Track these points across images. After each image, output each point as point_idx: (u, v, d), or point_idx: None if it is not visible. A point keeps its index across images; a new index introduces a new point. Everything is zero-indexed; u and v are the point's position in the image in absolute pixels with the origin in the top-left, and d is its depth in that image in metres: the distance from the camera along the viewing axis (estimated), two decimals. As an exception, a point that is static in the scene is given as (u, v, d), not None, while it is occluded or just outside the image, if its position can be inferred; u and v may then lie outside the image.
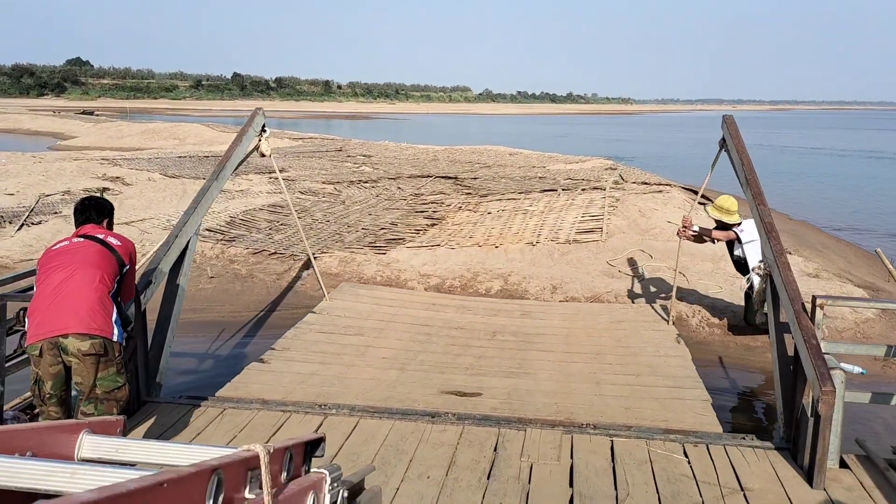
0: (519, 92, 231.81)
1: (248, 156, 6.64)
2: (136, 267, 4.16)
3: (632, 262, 9.46)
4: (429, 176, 17.12)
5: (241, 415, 4.67)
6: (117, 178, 15.70)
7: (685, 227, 7.16)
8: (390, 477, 3.88)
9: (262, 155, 6.92)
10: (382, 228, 11.30)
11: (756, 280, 6.36)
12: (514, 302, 8.06)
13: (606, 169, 18.97)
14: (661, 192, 14.17)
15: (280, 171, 16.32)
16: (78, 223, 4.05)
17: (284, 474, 1.54)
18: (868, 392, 4.56)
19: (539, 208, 12.52)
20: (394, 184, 15.96)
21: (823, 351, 3.98)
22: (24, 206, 12.22)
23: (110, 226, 4.15)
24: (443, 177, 17.03)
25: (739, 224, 6.96)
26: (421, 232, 11.15)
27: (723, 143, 6.34)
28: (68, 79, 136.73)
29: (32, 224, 11.15)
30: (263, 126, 6.73)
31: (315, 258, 8.42)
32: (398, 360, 5.93)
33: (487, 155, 23.57)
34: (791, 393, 4.32)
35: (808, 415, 3.94)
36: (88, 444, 1.52)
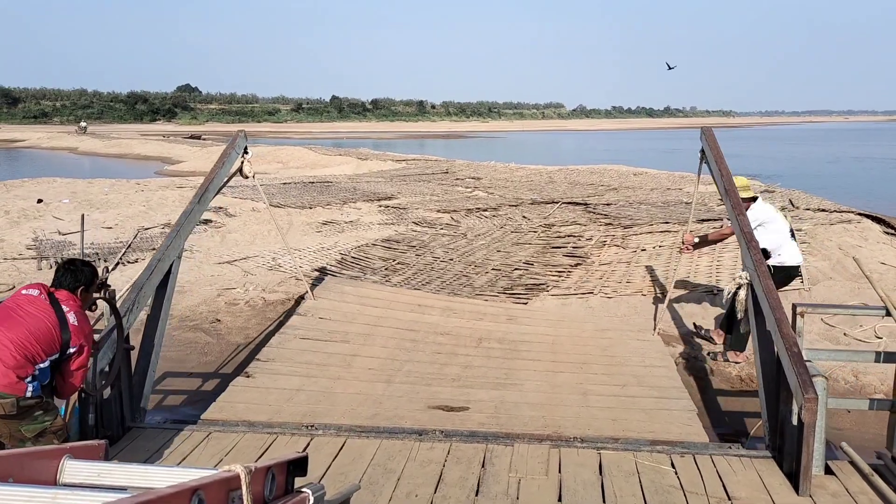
0: (614, 107, 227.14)
1: (230, 178, 6.65)
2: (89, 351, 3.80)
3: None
4: (555, 202, 15.54)
5: (227, 437, 4.63)
6: (220, 208, 14.07)
7: (686, 245, 7.14)
8: (378, 496, 3.86)
9: (245, 177, 6.94)
10: (516, 269, 9.62)
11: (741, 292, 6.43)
12: (499, 305, 8.07)
13: (763, 191, 16.01)
14: (849, 221, 11.88)
15: (388, 199, 16.24)
16: (54, 284, 3.82)
17: (267, 494, 1.54)
18: (850, 399, 4.60)
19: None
20: (516, 212, 14.39)
21: (805, 358, 4.02)
22: (121, 242, 11.26)
23: (88, 297, 3.90)
24: (570, 202, 15.47)
25: (756, 199, 6.70)
26: (564, 275, 9.37)
27: (703, 155, 6.44)
28: (178, 104, 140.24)
29: (128, 263, 10.13)
30: (246, 148, 6.74)
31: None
32: (384, 370, 5.93)
33: (609, 175, 21.88)
34: (775, 401, 4.35)
35: (793, 422, 3.98)
36: (70, 469, 1.51)
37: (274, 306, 8.40)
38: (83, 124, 73.88)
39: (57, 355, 3.57)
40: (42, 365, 3.51)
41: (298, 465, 1.75)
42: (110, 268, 9.23)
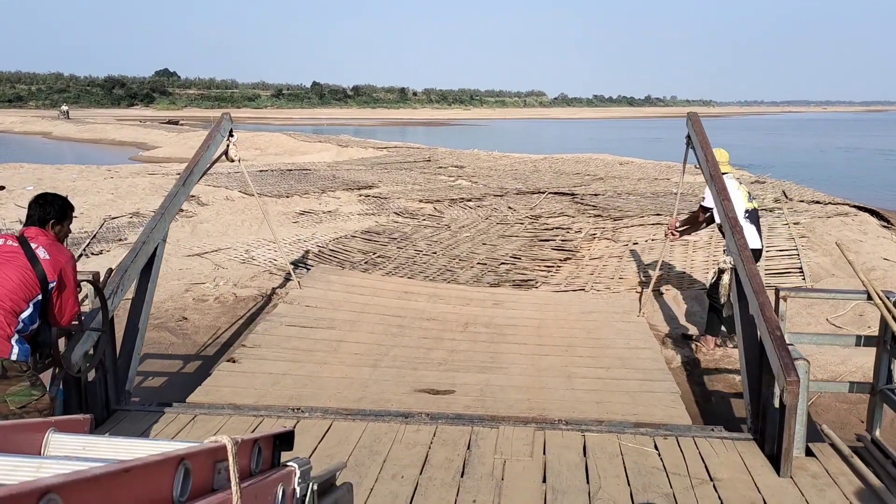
0: (595, 95, 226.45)
1: (216, 161, 6.60)
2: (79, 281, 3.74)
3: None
4: (541, 192, 15.37)
5: (212, 420, 4.63)
6: (192, 196, 13.59)
7: (672, 230, 7.13)
8: (364, 478, 3.88)
9: (231, 160, 6.89)
10: (503, 263, 9.34)
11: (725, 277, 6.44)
12: (486, 290, 8.08)
13: (753, 182, 16.26)
14: (846, 214, 11.63)
15: (369, 188, 15.96)
16: (26, 222, 3.70)
17: (253, 467, 1.54)
18: (830, 382, 4.66)
19: (701, 237, 9.96)
20: (502, 202, 14.21)
21: (787, 342, 4.06)
22: (86, 232, 10.88)
23: (62, 230, 3.79)
24: (557, 192, 15.25)
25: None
26: (554, 269, 9.09)
27: (689, 140, 6.47)
28: (156, 89, 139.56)
29: (92, 254, 9.67)
30: (231, 131, 6.69)
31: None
32: (371, 355, 5.94)
33: (595, 165, 21.66)
34: (757, 384, 4.40)
35: (774, 405, 4.02)
36: (54, 443, 1.51)
37: (245, 302, 8.06)
38: (65, 108, 72.05)
39: (39, 296, 3.47)
40: (25, 313, 3.42)
41: (285, 440, 1.75)
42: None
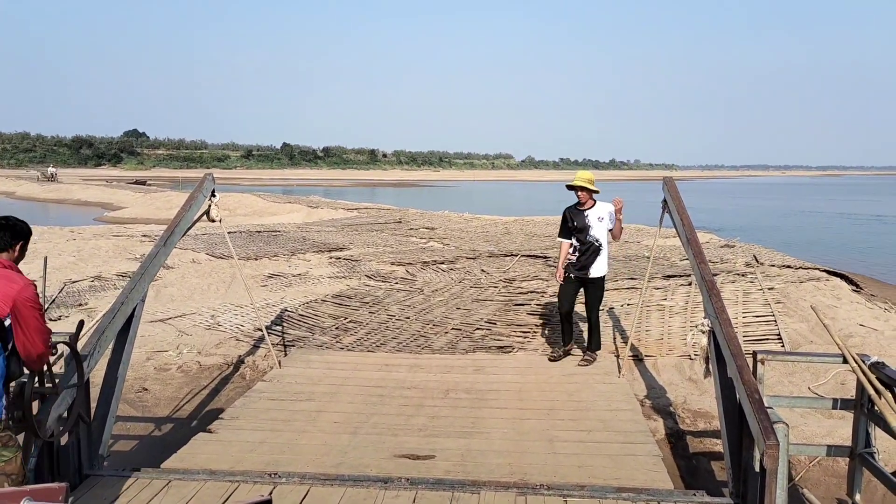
0: (561, 158, 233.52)
1: (197, 220, 6.62)
2: (41, 313, 3.50)
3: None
4: (513, 255, 15.18)
5: (187, 486, 4.53)
6: None
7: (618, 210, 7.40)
8: (342, 545, 3.79)
9: (212, 220, 6.91)
10: (478, 329, 9.13)
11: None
12: (466, 357, 8.03)
13: (722, 246, 16.30)
14: (818, 279, 11.55)
15: (339, 250, 15.71)
16: None
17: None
18: (809, 445, 4.67)
19: (677, 302, 9.89)
20: (475, 265, 13.96)
21: (766, 405, 4.08)
22: (45, 297, 10.07)
23: (20, 252, 3.62)
24: (530, 255, 15.03)
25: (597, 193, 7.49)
26: (530, 334, 8.92)
27: (665, 205, 6.62)
28: (125, 149, 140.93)
29: (51, 320, 9.15)
30: (213, 191, 6.73)
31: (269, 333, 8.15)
32: (350, 423, 5.85)
33: None
34: (738, 447, 4.40)
35: (755, 468, 4.01)
36: (30, 512, 1.48)
37: (210, 371, 7.79)
38: (52, 170, 65.86)
39: None
40: None
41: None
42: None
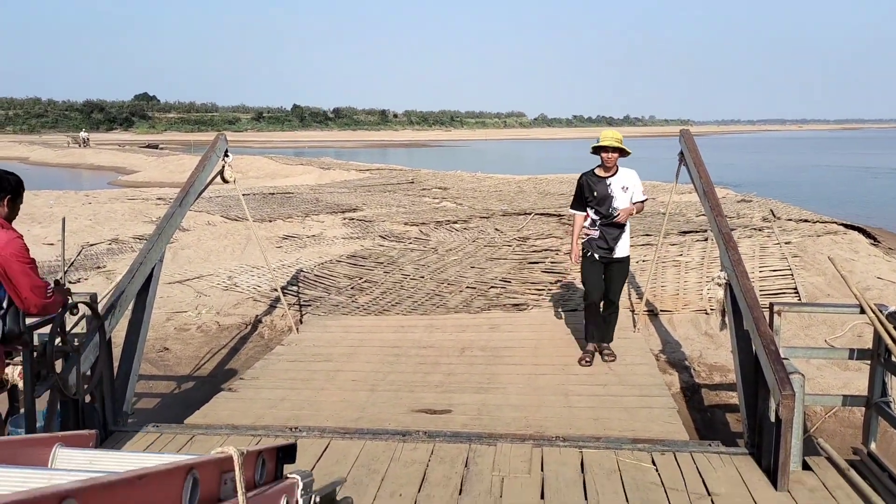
0: (574, 116, 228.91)
1: (211, 181, 6.64)
2: (36, 269, 3.45)
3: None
4: (527, 213, 15.05)
5: (210, 441, 4.63)
6: None
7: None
8: (362, 496, 3.87)
9: (226, 181, 6.92)
10: (493, 287, 9.08)
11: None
12: (481, 315, 8.08)
13: (739, 201, 16.10)
14: (836, 233, 11.45)
15: (353, 211, 15.81)
16: None
17: (257, 478, 1.56)
18: (825, 395, 4.68)
19: (693, 258, 9.78)
20: (488, 224, 13.87)
21: (782, 356, 4.09)
22: (64, 260, 10.42)
23: (10, 208, 3.52)
24: (543, 213, 14.85)
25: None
26: (545, 292, 8.81)
27: (681, 157, 6.54)
28: (136, 113, 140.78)
29: (70, 283, 9.13)
30: (227, 151, 6.74)
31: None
32: (368, 381, 5.94)
33: None
34: (753, 398, 4.42)
35: (771, 419, 4.04)
36: (61, 457, 1.53)
37: (229, 331, 7.90)
38: (84, 135, 63.23)
39: None
40: None
41: (288, 453, 1.77)
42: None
